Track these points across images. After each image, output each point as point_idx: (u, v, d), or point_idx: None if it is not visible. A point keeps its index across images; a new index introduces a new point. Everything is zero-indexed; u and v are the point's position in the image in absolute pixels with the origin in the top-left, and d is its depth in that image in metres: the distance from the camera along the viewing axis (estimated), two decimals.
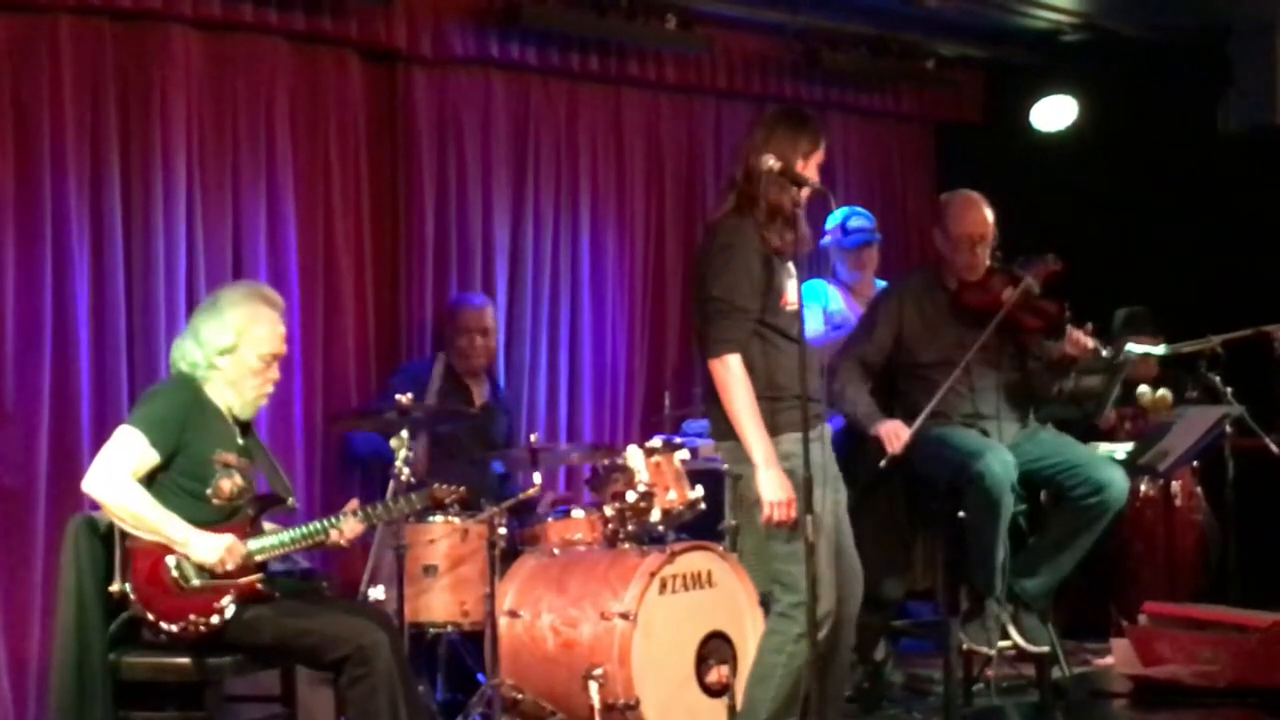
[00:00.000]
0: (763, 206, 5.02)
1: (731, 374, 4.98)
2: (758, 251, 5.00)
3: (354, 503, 5.21)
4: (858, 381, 6.27)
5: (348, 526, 5.11)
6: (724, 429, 5.12)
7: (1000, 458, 5.97)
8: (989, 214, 6.37)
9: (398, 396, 5.89)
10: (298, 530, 5.07)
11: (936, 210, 6.58)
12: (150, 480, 4.92)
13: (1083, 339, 6.26)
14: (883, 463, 6.00)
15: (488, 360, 6.99)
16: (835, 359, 6.35)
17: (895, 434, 6.06)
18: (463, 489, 5.47)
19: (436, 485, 5.40)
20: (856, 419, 6.24)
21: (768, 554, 5.10)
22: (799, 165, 5.05)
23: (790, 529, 4.92)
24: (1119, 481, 6.12)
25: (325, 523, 5.11)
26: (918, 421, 6.00)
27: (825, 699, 5.02)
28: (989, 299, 6.21)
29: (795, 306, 5.00)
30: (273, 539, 5.03)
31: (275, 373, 5.19)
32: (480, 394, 6.93)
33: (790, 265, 5.06)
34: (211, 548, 4.87)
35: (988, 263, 6.35)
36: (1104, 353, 6.36)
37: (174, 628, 4.83)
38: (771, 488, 4.93)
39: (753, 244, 5.01)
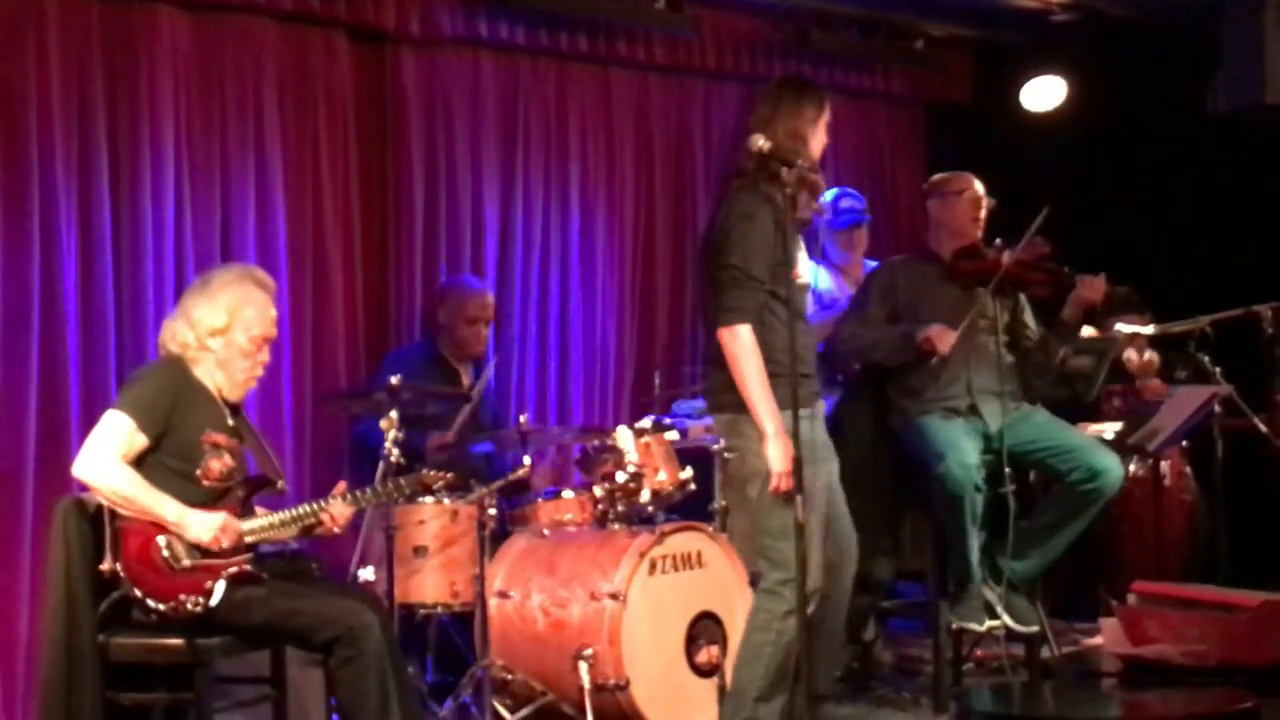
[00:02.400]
0: (774, 178, 5.04)
1: (742, 343, 4.99)
2: (775, 223, 5.02)
3: (341, 485, 5.22)
4: (872, 327, 6.27)
5: (336, 509, 5.11)
6: (721, 401, 5.13)
7: (960, 460, 5.96)
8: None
9: (391, 379, 5.86)
10: (287, 513, 5.07)
11: (927, 190, 6.60)
12: (139, 462, 4.92)
13: (1095, 280, 6.26)
14: (933, 361, 6.06)
15: (484, 347, 7.00)
16: (838, 328, 6.35)
17: (943, 334, 6.06)
18: (450, 474, 5.47)
19: (425, 471, 5.40)
20: (897, 341, 6.18)
21: (756, 530, 5.11)
22: (810, 133, 5.14)
23: (786, 500, 4.92)
24: (1115, 468, 6.12)
25: (314, 506, 5.11)
26: (960, 327, 6.03)
27: (815, 668, 5.04)
28: (986, 264, 6.22)
29: (804, 280, 5.06)
30: (263, 520, 5.03)
31: (265, 355, 5.19)
32: (467, 377, 6.92)
33: (799, 238, 5.10)
34: (206, 526, 4.87)
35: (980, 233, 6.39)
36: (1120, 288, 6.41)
37: (164, 607, 4.83)
38: (780, 457, 4.93)
39: (771, 215, 5.03)
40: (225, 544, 4.88)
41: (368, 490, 5.23)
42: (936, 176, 6.62)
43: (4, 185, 5.88)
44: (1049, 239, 6.28)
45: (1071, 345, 6.43)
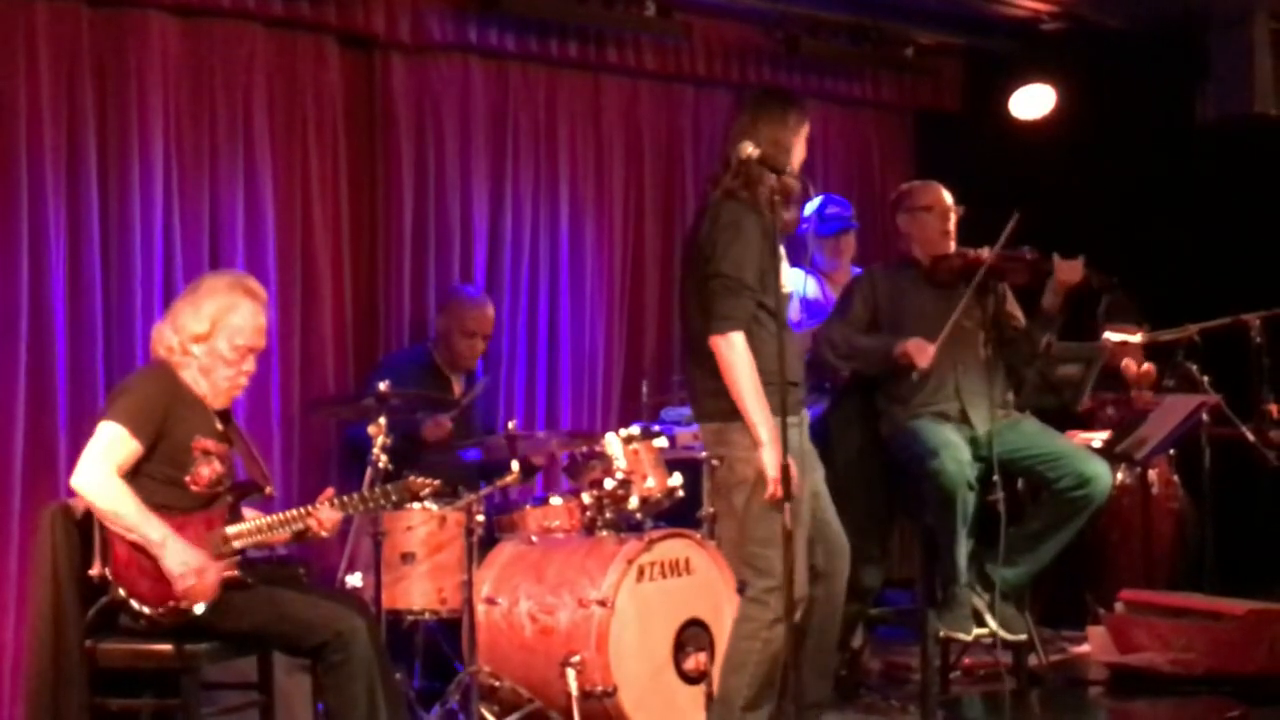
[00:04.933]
0: (757, 188, 5.06)
1: (736, 351, 5.00)
2: (763, 231, 5.04)
3: (329, 491, 5.20)
4: (854, 334, 6.27)
5: (324, 515, 5.09)
6: (707, 409, 5.13)
7: (955, 456, 5.97)
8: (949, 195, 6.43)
9: (380, 385, 5.85)
10: (275, 517, 5.06)
11: (893, 203, 6.59)
12: (134, 470, 4.90)
13: (1072, 262, 6.24)
14: (915, 375, 6.02)
15: (477, 360, 6.99)
16: (821, 330, 6.35)
17: (921, 348, 6.03)
18: (438, 481, 5.45)
19: (412, 477, 5.36)
20: (876, 353, 6.18)
21: (743, 538, 5.11)
22: (792, 142, 5.14)
23: (775, 507, 4.92)
24: (1104, 476, 6.11)
25: (302, 510, 5.09)
26: (943, 334, 6.00)
27: (806, 673, 5.05)
28: (967, 261, 6.22)
29: (787, 289, 5.06)
30: (251, 524, 5.01)
31: (251, 365, 5.14)
32: (459, 385, 6.92)
33: (781, 248, 5.12)
34: (183, 562, 4.81)
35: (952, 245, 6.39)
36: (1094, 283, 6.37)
37: (152, 611, 4.82)
38: (774, 463, 4.93)
39: (756, 224, 5.05)
40: (193, 585, 4.79)
41: (355, 496, 5.21)
42: (902, 188, 6.61)
43: None
44: (1036, 249, 6.28)
45: (1054, 331, 6.40)
